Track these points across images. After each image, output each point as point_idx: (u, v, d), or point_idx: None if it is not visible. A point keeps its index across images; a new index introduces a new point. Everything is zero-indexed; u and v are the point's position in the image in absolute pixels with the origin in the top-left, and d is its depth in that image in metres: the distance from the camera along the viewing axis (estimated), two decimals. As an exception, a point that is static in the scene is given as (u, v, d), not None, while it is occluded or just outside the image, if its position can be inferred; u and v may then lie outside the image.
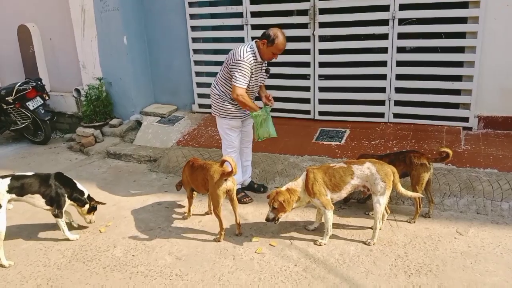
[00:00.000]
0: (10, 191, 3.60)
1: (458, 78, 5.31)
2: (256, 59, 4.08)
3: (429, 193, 3.94)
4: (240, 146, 4.54)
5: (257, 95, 4.44)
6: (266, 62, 4.27)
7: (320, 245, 3.59)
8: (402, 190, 3.54)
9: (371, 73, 5.68)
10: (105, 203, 4.19)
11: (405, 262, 3.32)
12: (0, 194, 3.53)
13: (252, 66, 4.05)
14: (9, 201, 3.63)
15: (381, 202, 3.46)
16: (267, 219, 3.58)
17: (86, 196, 3.98)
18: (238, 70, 4.01)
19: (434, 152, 4.57)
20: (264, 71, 4.28)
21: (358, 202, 4.31)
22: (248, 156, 4.67)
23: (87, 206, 3.99)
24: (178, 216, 4.28)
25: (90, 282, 3.31)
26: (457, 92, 5.36)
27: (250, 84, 4.17)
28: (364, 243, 3.60)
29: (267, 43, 3.98)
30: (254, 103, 4.29)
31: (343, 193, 3.58)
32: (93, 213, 4.08)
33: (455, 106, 5.42)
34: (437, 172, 4.30)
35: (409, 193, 3.60)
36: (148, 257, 3.59)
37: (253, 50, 4.06)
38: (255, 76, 4.17)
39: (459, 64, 5.28)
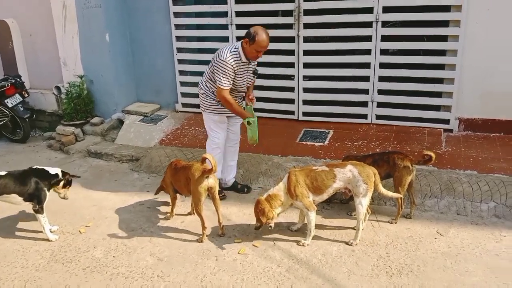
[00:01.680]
0: None
1: (439, 80, 5.39)
2: (240, 60, 4.06)
3: (411, 194, 3.98)
4: (226, 145, 4.52)
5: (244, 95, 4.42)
6: (255, 63, 4.26)
7: (303, 245, 3.59)
8: (383, 190, 3.58)
9: (355, 74, 5.72)
10: (79, 176, 4.20)
11: (386, 262, 3.35)
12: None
13: (234, 67, 4.04)
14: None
15: (363, 204, 3.49)
16: (255, 228, 3.67)
17: (60, 175, 3.89)
18: (220, 71, 4.02)
19: (416, 154, 4.63)
20: (252, 72, 4.27)
21: (341, 203, 4.33)
22: (233, 156, 4.65)
23: (61, 182, 3.90)
24: (160, 217, 4.23)
25: (69, 283, 3.24)
26: (438, 94, 5.44)
27: (236, 84, 4.16)
28: (347, 243, 3.62)
29: (249, 41, 3.97)
30: (241, 106, 4.28)
31: (325, 196, 3.59)
32: (68, 188, 3.99)
33: (437, 108, 5.50)
34: (418, 173, 4.35)
35: (390, 194, 3.64)
36: (129, 258, 3.54)
37: (237, 51, 4.05)
38: (240, 77, 4.15)
39: (441, 67, 5.35)
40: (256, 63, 4.33)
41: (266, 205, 3.51)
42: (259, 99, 6.23)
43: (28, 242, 3.83)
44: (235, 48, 4.06)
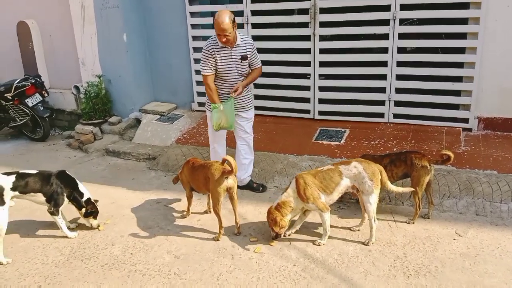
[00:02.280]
0: (14, 188, 3.60)
1: (458, 79, 5.30)
2: (218, 45, 4.16)
3: (429, 194, 3.93)
4: (237, 142, 4.60)
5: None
6: (245, 49, 4.25)
7: (319, 245, 3.59)
8: (391, 187, 3.57)
9: (372, 73, 5.67)
10: (97, 212, 4.07)
11: (404, 263, 3.32)
12: (4, 191, 3.52)
13: (210, 52, 4.16)
14: (11, 198, 3.62)
15: (371, 201, 3.47)
16: (272, 238, 3.68)
17: (85, 199, 3.92)
18: (201, 59, 4.24)
19: (434, 153, 4.58)
20: (239, 58, 4.24)
21: (357, 202, 4.30)
22: (246, 154, 4.63)
23: (83, 209, 3.92)
24: (177, 215, 4.27)
25: (88, 280, 3.30)
26: (457, 93, 5.36)
27: (220, 71, 4.22)
28: (363, 243, 3.60)
29: (214, 25, 4.07)
30: (218, 96, 4.28)
31: (335, 195, 3.57)
32: (93, 218, 3.99)
33: (455, 107, 5.42)
34: (436, 173, 4.29)
35: (400, 189, 3.63)
36: (146, 256, 3.58)
37: (215, 37, 4.17)
38: (223, 63, 4.20)
39: (460, 65, 5.27)
40: (247, 48, 4.28)
41: (277, 214, 3.52)
42: (274, 98, 6.28)
43: (48, 239, 3.91)
44: (215, 35, 4.17)
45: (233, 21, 4.04)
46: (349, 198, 4.26)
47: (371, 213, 3.50)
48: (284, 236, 3.74)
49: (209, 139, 4.67)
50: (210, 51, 4.15)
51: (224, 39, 4.05)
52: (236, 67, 4.26)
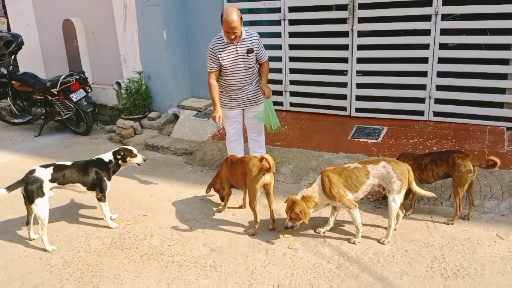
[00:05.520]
0: (53, 180, 3.77)
1: (503, 76, 5.10)
2: (223, 41, 4.20)
3: (470, 195, 3.82)
4: (251, 135, 4.66)
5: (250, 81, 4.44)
6: (251, 42, 4.26)
7: (354, 243, 3.56)
8: (416, 188, 3.52)
9: (411, 69, 5.55)
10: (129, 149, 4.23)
11: (441, 264, 3.25)
12: (44, 183, 3.69)
13: (214, 49, 4.21)
14: (51, 189, 3.79)
15: (396, 201, 3.43)
16: (286, 227, 3.64)
17: (112, 158, 4.07)
18: (206, 56, 4.30)
19: (476, 153, 4.43)
20: (245, 52, 4.24)
21: (383, 199, 4.24)
22: (258, 148, 4.67)
23: (119, 161, 4.10)
24: (213, 209, 4.35)
25: (128, 269, 3.43)
26: (501, 91, 5.16)
27: (227, 67, 4.26)
28: (379, 241, 3.57)
29: (221, 22, 4.07)
30: (216, 96, 4.35)
31: (360, 194, 3.54)
32: (131, 158, 4.15)
33: (499, 105, 5.22)
34: (478, 174, 4.15)
35: (423, 192, 3.57)
36: (183, 248, 3.68)
37: (221, 34, 4.21)
38: (229, 59, 4.23)
39: (505, 61, 5.06)
40: (253, 42, 4.28)
41: (305, 206, 3.49)
42: (310, 95, 6.26)
43: (90, 229, 4.08)
44: (220, 32, 4.22)
45: (241, 18, 4.09)
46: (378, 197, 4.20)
47: (394, 212, 3.47)
48: (318, 233, 3.74)
49: (226, 136, 4.71)
50: (214, 49, 4.22)
51: (233, 36, 4.10)
52: (243, 61, 4.30)
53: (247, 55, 4.28)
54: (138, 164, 4.22)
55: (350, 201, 3.48)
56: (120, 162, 4.09)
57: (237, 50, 4.24)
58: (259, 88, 4.46)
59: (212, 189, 4.31)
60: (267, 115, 4.38)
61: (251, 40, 4.28)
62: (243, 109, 4.56)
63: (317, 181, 3.57)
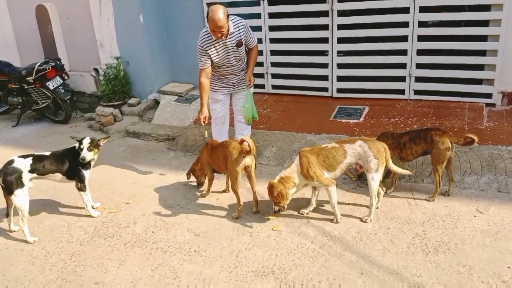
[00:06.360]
0: (32, 171, 3.69)
1: (481, 53, 5.14)
2: (211, 37, 4.10)
3: (449, 171, 3.87)
4: (237, 118, 4.64)
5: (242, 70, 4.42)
6: (240, 34, 4.17)
7: (337, 222, 3.59)
8: (393, 166, 3.56)
9: (391, 48, 5.54)
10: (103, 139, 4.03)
11: (423, 240, 3.30)
12: (23, 174, 3.62)
13: (203, 46, 4.12)
14: (30, 179, 3.72)
15: (375, 179, 3.47)
16: (274, 211, 3.66)
17: (77, 145, 3.85)
18: (196, 53, 4.20)
19: (456, 130, 4.48)
20: (235, 45, 4.19)
21: (359, 179, 4.29)
22: (242, 130, 4.65)
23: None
24: (197, 194, 4.33)
25: (111, 257, 3.40)
26: (480, 67, 5.20)
27: (217, 61, 4.20)
28: (361, 219, 3.61)
29: (207, 20, 3.99)
30: (205, 97, 4.31)
31: (338, 172, 3.57)
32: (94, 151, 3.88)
33: (478, 82, 5.27)
34: (458, 150, 4.21)
35: (400, 170, 3.62)
36: (167, 234, 3.66)
37: (207, 29, 4.09)
38: (219, 54, 4.17)
39: (483, 38, 5.09)
40: (241, 32, 4.19)
41: (282, 188, 3.51)
42: (291, 77, 6.23)
43: (72, 218, 4.03)
44: (206, 27, 4.11)
45: (227, 15, 3.98)
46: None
47: (374, 190, 3.50)
48: (301, 214, 3.76)
49: (212, 118, 4.64)
50: (204, 47, 4.12)
51: (219, 35, 4.02)
52: (233, 54, 4.24)
53: (237, 49, 4.22)
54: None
55: (328, 179, 3.51)
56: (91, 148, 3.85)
57: (226, 45, 4.16)
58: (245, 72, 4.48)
59: (192, 175, 4.28)
60: (252, 106, 4.40)
61: (239, 31, 4.17)
62: (231, 93, 4.52)
63: (295, 161, 3.58)
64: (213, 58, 4.18)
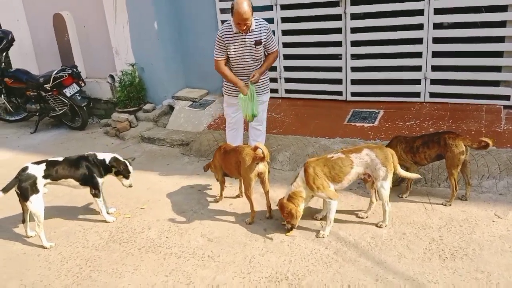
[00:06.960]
0: (46, 176, 3.75)
1: (499, 54, 5.04)
2: (232, 31, 4.15)
3: (465, 175, 3.80)
4: (252, 124, 4.62)
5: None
6: (260, 34, 4.19)
7: (323, 237, 3.48)
8: (402, 172, 3.52)
9: (406, 51, 5.48)
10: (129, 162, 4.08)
11: (439, 245, 3.24)
12: (37, 180, 3.67)
13: (223, 38, 4.17)
14: (44, 185, 3.77)
15: (385, 187, 3.42)
16: (286, 229, 3.61)
17: (108, 160, 3.93)
18: (215, 44, 4.26)
19: (473, 133, 4.40)
20: (253, 43, 4.19)
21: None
22: (257, 137, 4.64)
23: (113, 170, 3.97)
24: (210, 199, 4.33)
25: (126, 262, 3.42)
26: (497, 69, 5.10)
27: (233, 56, 4.23)
28: (376, 225, 3.56)
29: (231, 14, 4.02)
30: (239, 79, 4.30)
31: (345, 183, 3.51)
32: (123, 177, 4.00)
33: (496, 83, 5.17)
34: (475, 153, 4.14)
35: (408, 174, 3.58)
36: (181, 239, 3.67)
37: (230, 23, 4.16)
38: (236, 49, 4.20)
39: (501, 39, 5.00)
40: (262, 33, 4.21)
41: (291, 206, 3.46)
42: (305, 80, 6.20)
43: (88, 224, 4.07)
44: (229, 21, 4.18)
45: (252, 8, 4.03)
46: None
47: (386, 197, 3.44)
48: (316, 219, 3.73)
49: (226, 123, 4.69)
50: (223, 37, 4.18)
51: (244, 27, 4.05)
52: (250, 53, 4.25)
53: (255, 47, 4.24)
54: (123, 184, 4.06)
55: (333, 192, 3.45)
56: (112, 171, 3.99)
57: (245, 41, 4.19)
58: (266, 77, 4.50)
59: (209, 169, 4.27)
60: (249, 101, 4.31)
61: (260, 30, 4.20)
62: None
63: (300, 173, 3.53)
64: (229, 52, 4.22)
